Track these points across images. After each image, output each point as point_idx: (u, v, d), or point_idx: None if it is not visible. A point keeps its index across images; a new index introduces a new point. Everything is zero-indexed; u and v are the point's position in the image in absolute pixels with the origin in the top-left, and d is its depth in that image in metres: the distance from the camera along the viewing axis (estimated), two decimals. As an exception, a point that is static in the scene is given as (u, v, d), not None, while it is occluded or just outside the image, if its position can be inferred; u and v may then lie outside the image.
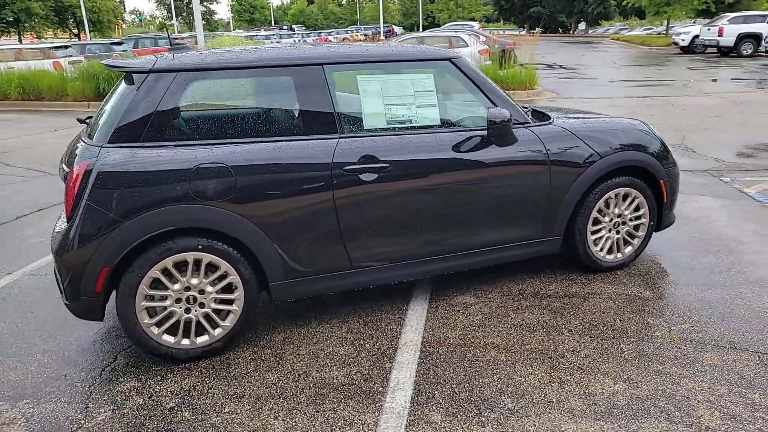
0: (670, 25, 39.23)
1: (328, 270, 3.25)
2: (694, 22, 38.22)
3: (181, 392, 2.82)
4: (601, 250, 3.90)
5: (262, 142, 3.05)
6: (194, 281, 3.00)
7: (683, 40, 26.88)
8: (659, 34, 39.37)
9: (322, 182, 3.09)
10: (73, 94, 15.30)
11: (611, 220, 3.87)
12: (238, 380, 2.90)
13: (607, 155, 3.70)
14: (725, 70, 18.69)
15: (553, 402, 2.63)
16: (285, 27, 68.31)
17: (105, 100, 3.48)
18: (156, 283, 2.95)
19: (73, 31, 58.78)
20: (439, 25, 71.04)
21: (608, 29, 64.43)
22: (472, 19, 63.70)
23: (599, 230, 3.86)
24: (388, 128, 3.30)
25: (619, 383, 2.75)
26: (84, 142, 3.04)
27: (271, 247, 3.07)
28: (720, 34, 23.88)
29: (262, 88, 3.32)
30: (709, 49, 25.55)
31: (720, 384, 2.71)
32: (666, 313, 3.40)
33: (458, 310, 3.53)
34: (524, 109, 3.80)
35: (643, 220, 3.95)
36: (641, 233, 3.99)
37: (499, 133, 3.36)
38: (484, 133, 3.42)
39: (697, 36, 25.85)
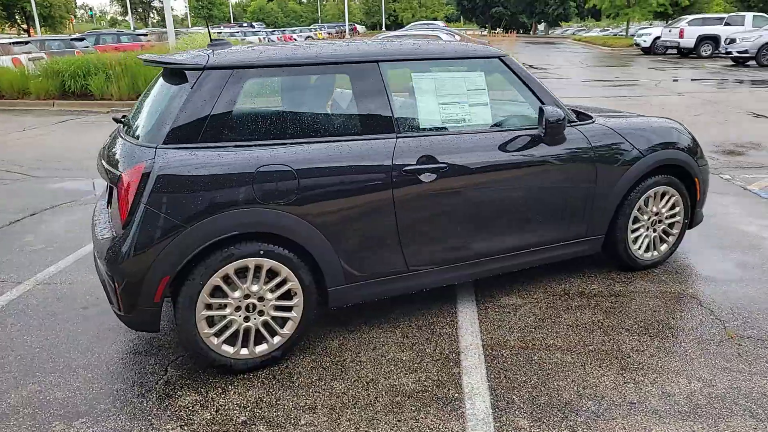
0: (628, 27, 40.37)
1: (384, 273, 3.16)
2: (650, 24, 39.40)
3: (249, 405, 2.69)
4: (640, 248, 3.93)
5: (322, 142, 2.94)
6: (254, 288, 2.87)
7: (645, 41, 27.65)
8: (616, 35, 40.40)
9: (382, 183, 3.01)
10: (36, 92, 14.62)
11: (649, 219, 3.90)
12: (305, 390, 2.79)
13: (649, 154, 3.72)
14: (688, 70, 19.31)
15: (635, 403, 2.62)
16: (245, 24, 67.25)
17: (142, 96, 3.31)
18: (216, 291, 2.81)
19: (22, 26, 56.37)
20: (402, 25, 71.24)
21: (567, 30, 65.90)
22: (435, 19, 64.07)
23: (638, 228, 3.89)
24: (443, 128, 3.23)
25: (694, 382, 2.76)
26: (130, 142, 2.87)
27: (330, 250, 2.97)
28: (681, 36, 24.67)
29: (318, 85, 3.21)
30: (670, 50, 26.35)
31: (789, 379, 2.76)
32: (714, 310, 3.44)
33: (509, 312, 3.50)
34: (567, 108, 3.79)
35: (678, 218, 4.00)
36: (675, 231, 4.04)
37: (554, 132, 3.34)
38: (536, 131, 3.39)
39: (658, 37, 26.62)
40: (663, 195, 3.89)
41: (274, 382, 2.87)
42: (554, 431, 2.46)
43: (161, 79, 3.18)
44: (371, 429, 2.51)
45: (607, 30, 56.71)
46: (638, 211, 3.82)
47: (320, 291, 3.06)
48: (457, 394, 2.73)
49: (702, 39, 24.25)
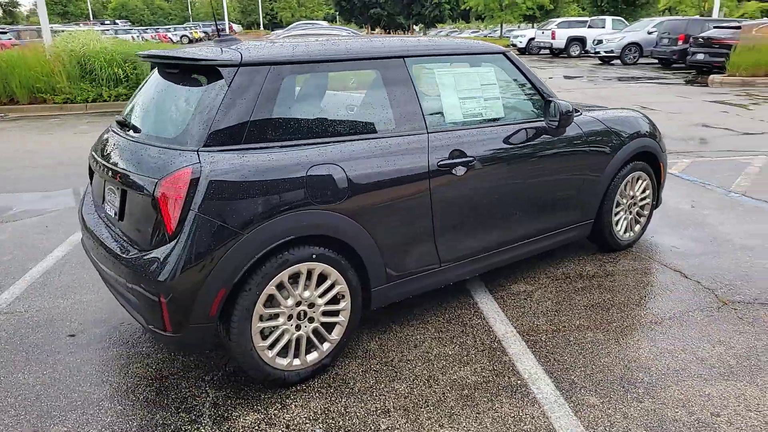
0: (494, 29, 42.94)
1: (419, 270, 3.15)
2: (518, 26, 42.20)
3: (317, 416, 2.57)
4: (620, 230, 4.25)
5: (363, 139, 2.87)
6: (306, 294, 2.74)
7: (521, 42, 29.59)
8: (486, 36, 42.73)
9: (421, 179, 3.00)
10: None
11: (627, 202, 4.22)
12: (369, 395, 2.72)
13: (629, 142, 4.04)
14: (564, 68, 20.95)
15: (679, 371, 2.84)
16: (107, 22, 62.63)
17: (141, 95, 3.05)
18: (269, 301, 2.65)
19: None
20: (281, 24, 70.07)
21: (441, 31, 68.56)
22: (312, 18, 63.79)
23: (619, 212, 4.20)
24: (465, 122, 3.28)
25: (716, 346, 3.05)
26: (156, 145, 2.62)
27: (375, 250, 2.91)
28: (553, 37, 26.67)
29: (352, 81, 3.11)
30: (543, 51, 28.41)
31: (788, 335, 3.14)
32: (700, 281, 3.81)
33: (524, 299, 3.63)
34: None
35: (647, 200, 4.37)
36: (646, 212, 4.41)
37: (566, 122, 3.51)
38: (542, 123, 3.55)
39: (533, 38, 28.59)
40: (638, 179, 4.23)
41: (331, 390, 2.76)
42: (623, 404, 2.60)
43: (174, 76, 2.93)
44: (455, 424, 2.50)
45: (477, 31, 59.85)
46: (619, 195, 4.12)
47: (364, 292, 2.99)
48: (518, 381, 2.79)
49: (571, 40, 26.38)
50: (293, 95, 2.83)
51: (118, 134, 2.99)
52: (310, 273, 2.72)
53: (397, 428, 2.49)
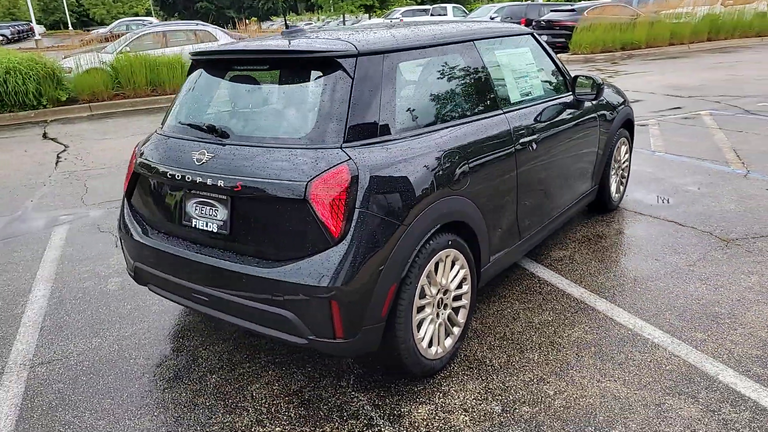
0: (336, 19, 43.40)
1: (507, 245, 3.30)
2: (357, 18, 43.04)
3: (484, 395, 2.63)
4: (614, 192, 4.74)
5: (468, 122, 2.96)
6: (443, 282, 2.76)
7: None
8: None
9: (510, 156, 3.14)
10: None
11: (617, 166, 4.72)
12: (515, 368, 2.82)
13: (621, 110, 4.51)
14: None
15: (741, 300, 3.33)
16: None
17: (216, 95, 2.83)
18: (422, 292, 2.63)
19: None
20: (96, 22, 63.84)
21: (273, 24, 67.46)
22: (136, 14, 59.18)
23: (612, 175, 4.68)
24: (522, 101, 3.47)
25: (752, 276, 3.60)
26: (284, 147, 2.46)
27: (485, 231, 3.00)
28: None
29: (442, 66, 3.10)
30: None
31: (790, 259, 3.80)
32: (695, 226, 4.41)
33: (570, 262, 3.94)
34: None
35: (627, 163, 4.92)
36: (627, 174, 4.96)
37: (600, 95, 3.83)
38: (570, 98, 3.85)
39: (380, 27, 29.40)
40: (622, 145, 4.75)
41: (477, 371, 2.82)
42: (724, 333, 3.00)
43: (267, 72, 2.74)
44: (608, 377, 2.71)
45: (311, 22, 59.89)
46: (614, 160, 4.60)
47: (476, 273, 3.06)
48: (628, 332, 3.08)
49: (418, 27, 27.58)
50: (407, 83, 2.80)
51: (201, 141, 2.72)
52: (445, 259, 2.74)
53: (564, 391, 2.63)
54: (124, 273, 4.14)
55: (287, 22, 3.31)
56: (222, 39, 15.07)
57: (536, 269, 3.86)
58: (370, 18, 39.10)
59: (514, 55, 3.56)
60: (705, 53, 16.98)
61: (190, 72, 3.11)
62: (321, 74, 2.57)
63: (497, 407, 2.55)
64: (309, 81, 2.62)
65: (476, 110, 3.04)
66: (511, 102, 3.35)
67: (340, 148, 2.41)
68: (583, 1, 21.29)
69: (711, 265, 3.77)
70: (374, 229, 2.36)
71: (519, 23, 21.04)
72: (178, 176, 2.69)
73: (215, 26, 16.56)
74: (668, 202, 4.94)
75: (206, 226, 2.68)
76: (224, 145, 2.63)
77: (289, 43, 2.68)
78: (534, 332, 3.12)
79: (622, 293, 3.48)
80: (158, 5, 66.29)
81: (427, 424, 2.47)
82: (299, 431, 2.48)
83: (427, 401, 2.62)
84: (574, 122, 3.82)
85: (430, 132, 2.71)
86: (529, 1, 25.81)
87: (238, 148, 2.57)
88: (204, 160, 2.63)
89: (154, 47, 13.76)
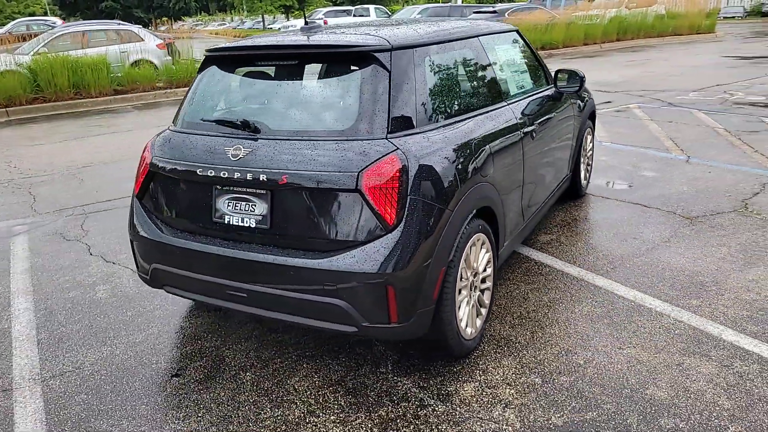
0: (255, 19, 42.71)
1: (515, 229, 3.47)
2: (274, 18, 42.55)
3: (522, 369, 2.77)
4: (583, 179, 5.06)
5: (485, 112, 3.11)
6: (474, 265, 2.88)
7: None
8: (250, 28, 42.33)
9: (517, 144, 3.32)
10: None
11: (585, 154, 5.04)
12: (541, 343, 2.99)
13: (586, 103, 4.83)
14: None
15: (720, 269, 3.68)
16: None
17: (242, 90, 2.88)
18: (461, 275, 2.74)
19: None
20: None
21: (183, 24, 65.27)
22: (33, 14, 55.19)
23: (581, 163, 4.99)
24: (519, 93, 3.66)
25: (722, 248, 3.98)
26: (328, 140, 2.50)
27: (503, 216, 3.16)
28: (325, 23, 27.60)
29: (459, 60, 3.21)
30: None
31: None
32: (660, 207, 4.79)
33: (559, 245, 4.18)
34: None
35: (591, 152, 5.26)
36: (591, 162, 5.30)
37: (582, 87, 4.09)
38: (551, 91, 4.09)
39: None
40: (588, 134, 5.07)
41: (506, 348, 2.96)
42: (714, 299, 3.32)
43: (297, 67, 2.76)
44: (630, 343, 2.94)
45: (224, 23, 58.50)
46: (582, 148, 4.91)
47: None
48: (631, 304, 3.33)
49: (342, 28, 27.65)
50: (434, 75, 2.89)
51: (233, 137, 2.68)
52: (476, 244, 2.87)
53: (593, 359, 2.83)
54: (111, 280, 3.97)
55: (306, 18, 3.31)
56: (149, 40, 14.49)
57: (529, 253, 4.07)
58: (288, 19, 38.75)
59: (509, 50, 3.75)
60: (616, 52, 18.21)
61: (202, 68, 3.06)
62: (358, 68, 2.62)
63: (537, 379, 2.71)
64: (346, 75, 2.66)
65: (489, 101, 3.20)
66: (512, 94, 3.53)
67: (386, 138, 2.47)
68: (500, 4, 22.18)
69: (683, 241, 4.12)
70: (425, 215, 2.45)
71: (442, 24, 21.52)
72: (210, 173, 2.65)
73: (139, 26, 15.88)
74: (628, 188, 5.33)
75: (242, 222, 2.65)
76: (260, 139, 2.62)
77: (322, 39, 2.71)
78: (547, 309, 3.30)
79: (614, 269, 3.74)
80: (57, 5, 62.29)
81: (477, 400, 2.58)
82: (354, 417, 2.52)
83: (470, 379, 2.73)
84: (558, 112, 4.06)
85: (457, 122, 2.83)
86: (450, 3, 26.54)
87: (278, 142, 2.57)
88: (241, 156, 2.60)
89: (74, 48, 13.02)
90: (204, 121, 2.88)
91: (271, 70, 2.90)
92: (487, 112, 3.11)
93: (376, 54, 2.59)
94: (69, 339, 3.27)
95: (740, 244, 4.03)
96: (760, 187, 5.13)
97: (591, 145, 5.19)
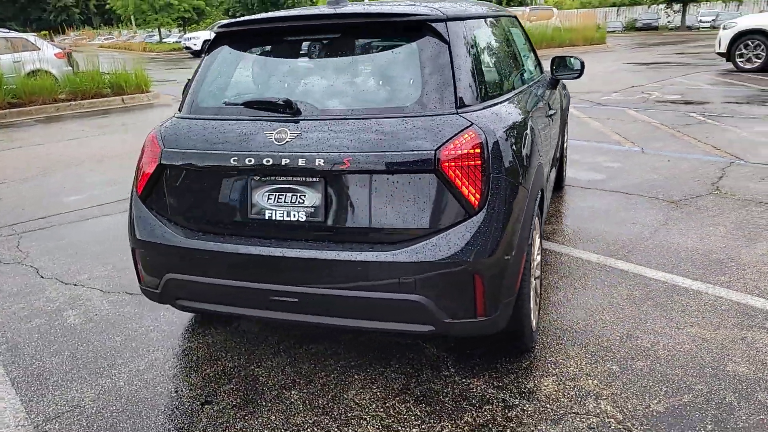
0: (150, 32, 40.66)
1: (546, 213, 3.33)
2: (170, 32, 40.76)
3: (596, 356, 2.60)
4: (565, 169, 5.06)
5: (524, 89, 3.05)
6: (533, 251, 2.69)
7: (195, 45, 28.81)
8: (146, 41, 40.23)
9: (549, 125, 3.21)
10: None
11: (565, 146, 5.05)
12: (595, 328, 2.84)
13: (567, 94, 4.85)
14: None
15: (725, 247, 3.74)
16: None
17: (273, 68, 2.58)
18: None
19: None
20: None
21: (65, 39, 61.06)
22: None
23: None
24: (533, 75, 3.56)
25: (718, 227, 4.07)
26: (393, 117, 2.22)
27: (548, 198, 3.01)
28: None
29: (497, 36, 3.01)
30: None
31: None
32: (641, 194, 4.86)
33: (564, 233, 4.10)
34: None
35: (567, 143, 5.30)
36: (567, 153, 5.34)
37: (582, 74, 4.05)
38: (549, 77, 4.04)
39: (208, 40, 28.11)
40: (566, 125, 5.09)
41: (563, 338, 2.79)
42: (735, 276, 3.35)
43: (339, 41, 2.47)
44: (687, 322, 2.86)
45: (111, 37, 55.36)
46: (563, 139, 4.92)
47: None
48: (663, 285, 3.28)
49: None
50: (484, 50, 2.68)
51: (271, 120, 2.33)
52: (536, 227, 2.68)
53: (658, 342, 2.72)
54: (79, 304, 3.39)
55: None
56: (46, 49, 13.22)
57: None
58: (185, 32, 37.22)
59: (518, 34, 3.64)
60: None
61: (212, 47, 2.67)
62: (412, 40, 2.36)
63: (614, 366, 2.55)
64: (400, 47, 2.40)
65: (520, 80, 3.06)
66: (530, 76, 3.41)
67: (456, 113, 2.23)
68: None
69: (680, 223, 4.19)
70: (508, 194, 2.22)
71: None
72: (249, 161, 2.27)
73: (33, 34, 14.49)
74: (605, 178, 5.40)
75: (288, 216, 2.29)
76: (304, 120, 2.28)
77: (370, 9, 2.43)
78: (587, 296, 3.18)
79: (631, 253, 3.70)
80: None
81: (564, 394, 2.38)
82: (439, 428, 2.22)
83: (546, 373, 2.52)
84: (555, 99, 4.00)
85: (510, 96, 2.65)
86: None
87: (332, 122, 2.25)
88: (287, 140, 2.25)
89: (-42, 57, 11.60)
90: (229, 104, 2.49)
91: (304, 45, 2.57)
92: (524, 90, 2.96)
93: (432, 24, 2.35)
94: (51, 374, 2.71)
95: (733, 222, 4.14)
96: (720, 171, 5.38)
97: (567, 136, 5.21)
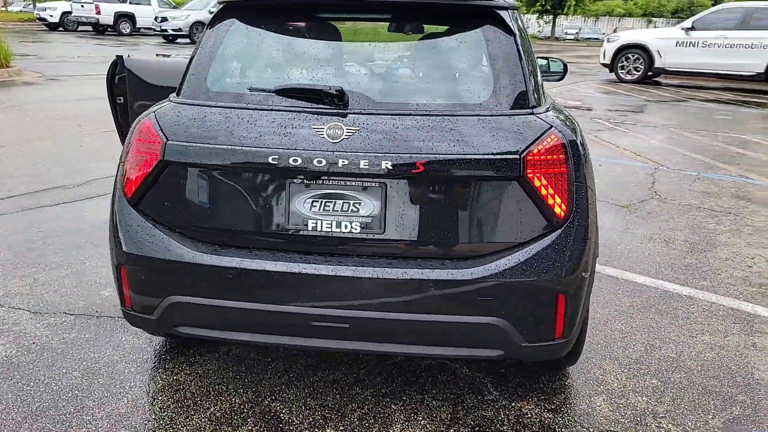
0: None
1: None
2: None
3: (632, 372, 2.52)
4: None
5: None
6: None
7: (51, 15, 25.76)
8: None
9: None
10: None
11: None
12: (620, 344, 2.78)
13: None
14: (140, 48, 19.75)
15: (697, 246, 3.90)
16: None
17: (317, 51, 2.25)
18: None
19: None
20: None
21: None
22: None
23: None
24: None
25: (674, 231, 4.24)
26: (474, 114, 1.96)
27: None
28: (98, 12, 24.29)
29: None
30: (83, 27, 25.63)
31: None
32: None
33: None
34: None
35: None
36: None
37: (564, 76, 3.98)
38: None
39: (68, 12, 25.27)
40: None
41: (594, 352, 2.68)
42: (715, 282, 3.48)
43: (398, 25, 2.14)
44: (702, 331, 2.88)
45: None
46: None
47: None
48: (663, 289, 3.31)
49: (120, 16, 24.64)
50: (529, 44, 2.47)
51: (315, 113, 1.95)
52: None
53: (681, 351, 2.71)
54: (6, 331, 2.72)
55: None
56: None
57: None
58: (33, 1, 33.19)
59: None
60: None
61: (218, 20, 2.19)
62: (478, 27, 2.10)
63: (654, 380, 2.48)
64: (464, 35, 2.14)
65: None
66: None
67: (532, 113, 2.01)
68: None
69: (640, 227, 4.31)
70: (588, 203, 2.04)
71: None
72: (294, 161, 1.88)
73: None
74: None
75: (338, 227, 1.94)
76: (355, 114, 1.94)
77: None
78: (591, 304, 3.11)
79: (611, 258, 3.72)
80: None
81: (618, 413, 2.26)
82: (513, 464, 2.00)
83: (593, 391, 2.39)
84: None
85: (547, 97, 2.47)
86: None
87: (394, 118, 1.93)
88: (343, 137, 1.89)
89: None
90: (255, 90, 2.04)
91: (346, 26, 2.19)
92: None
93: (499, 11, 2.10)
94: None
95: (687, 227, 4.34)
96: (651, 177, 5.69)
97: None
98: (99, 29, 24.97)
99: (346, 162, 1.87)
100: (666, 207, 4.79)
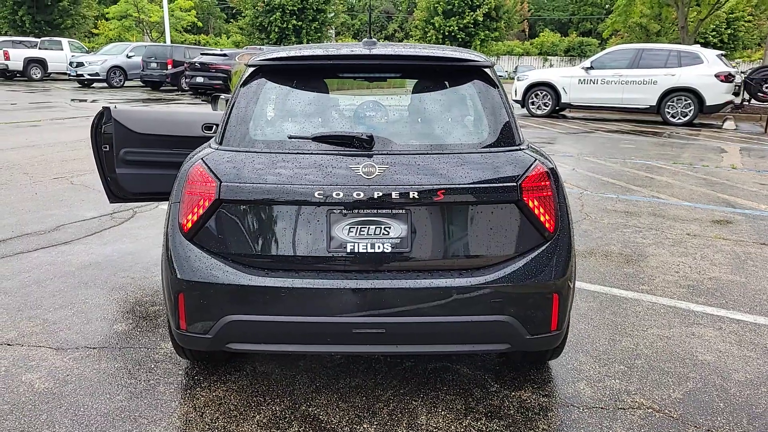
0: None
1: None
2: None
3: (609, 359, 3.03)
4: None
5: None
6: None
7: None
8: None
9: None
10: None
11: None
12: (592, 343, 3.29)
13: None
14: (37, 94, 19.17)
15: (641, 261, 4.55)
16: None
17: (338, 104, 2.63)
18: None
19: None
20: None
21: None
22: None
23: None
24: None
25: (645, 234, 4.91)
26: (469, 152, 2.44)
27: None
28: (7, 58, 23.38)
29: None
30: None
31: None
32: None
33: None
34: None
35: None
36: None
37: None
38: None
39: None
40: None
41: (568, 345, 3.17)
42: (653, 286, 4.12)
43: (414, 82, 2.61)
44: (702, 336, 3.46)
45: None
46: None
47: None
48: (649, 300, 3.89)
49: (30, 62, 23.82)
50: None
51: (345, 155, 2.36)
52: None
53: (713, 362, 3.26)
54: (33, 366, 2.86)
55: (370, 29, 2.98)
56: None
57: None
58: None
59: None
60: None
61: (250, 80, 2.57)
62: (469, 81, 2.61)
63: (621, 366, 2.99)
64: (458, 88, 2.62)
65: None
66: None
67: (519, 149, 2.51)
68: (226, 49, 22.20)
69: (582, 244, 4.93)
70: (568, 218, 2.55)
71: (166, 64, 20.56)
72: (337, 194, 2.27)
73: None
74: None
75: (372, 248, 2.33)
76: (381, 155, 2.36)
77: (428, 52, 2.61)
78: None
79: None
80: None
81: (599, 393, 2.73)
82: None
83: (575, 378, 2.85)
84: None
85: None
86: (168, 43, 25.29)
87: (414, 156, 2.37)
88: (376, 173, 2.30)
89: None
90: (294, 138, 2.42)
91: (360, 82, 2.62)
92: None
93: (485, 69, 2.62)
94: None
95: (619, 242, 5.01)
96: (579, 200, 6.41)
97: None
98: (7, 75, 23.98)
99: (381, 194, 2.27)
100: (598, 226, 5.48)
